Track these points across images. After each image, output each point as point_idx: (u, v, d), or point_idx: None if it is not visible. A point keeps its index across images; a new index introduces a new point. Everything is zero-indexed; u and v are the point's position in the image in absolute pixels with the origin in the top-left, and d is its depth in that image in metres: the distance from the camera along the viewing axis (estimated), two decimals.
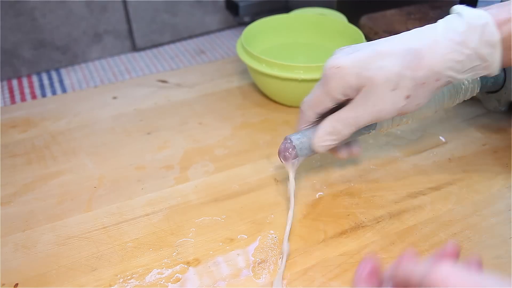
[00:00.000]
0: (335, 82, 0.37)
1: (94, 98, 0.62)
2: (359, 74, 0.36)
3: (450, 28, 0.35)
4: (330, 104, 0.39)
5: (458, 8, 0.36)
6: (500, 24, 0.35)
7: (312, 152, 0.42)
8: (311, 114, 0.41)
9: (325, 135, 0.40)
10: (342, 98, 0.38)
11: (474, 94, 0.47)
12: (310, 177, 0.48)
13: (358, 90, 0.37)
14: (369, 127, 0.43)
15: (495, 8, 0.36)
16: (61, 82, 0.68)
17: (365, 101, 0.37)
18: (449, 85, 0.44)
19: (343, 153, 0.44)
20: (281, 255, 0.40)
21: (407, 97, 0.36)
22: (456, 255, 0.33)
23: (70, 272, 0.39)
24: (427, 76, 0.36)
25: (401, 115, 0.38)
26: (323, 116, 0.41)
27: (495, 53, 0.35)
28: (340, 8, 0.68)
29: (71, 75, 0.70)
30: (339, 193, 0.46)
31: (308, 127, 0.42)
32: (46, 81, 0.69)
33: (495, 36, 0.35)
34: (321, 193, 0.46)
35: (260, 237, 0.42)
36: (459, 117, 0.56)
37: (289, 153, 0.41)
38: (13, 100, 0.64)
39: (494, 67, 0.36)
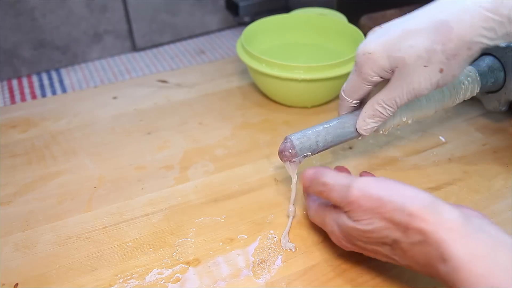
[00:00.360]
0: (369, 67, 0.38)
1: (94, 98, 0.62)
2: (390, 56, 0.37)
3: None
4: (367, 88, 0.40)
5: None
6: None
7: (313, 151, 0.42)
8: (351, 100, 0.42)
9: (368, 119, 0.41)
10: (378, 80, 0.39)
11: (474, 94, 0.47)
12: None
13: (392, 71, 0.38)
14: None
15: None
16: (61, 82, 0.68)
17: (400, 81, 0.38)
18: (449, 85, 0.44)
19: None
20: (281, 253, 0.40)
21: (441, 70, 0.36)
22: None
23: (70, 272, 0.39)
24: (458, 47, 0.35)
25: (438, 87, 0.38)
26: (362, 101, 0.42)
27: None
28: (340, 8, 0.68)
29: (71, 75, 0.70)
30: None
31: (348, 113, 0.43)
32: (46, 81, 0.69)
33: None
34: None
35: (260, 237, 0.42)
36: (459, 117, 0.56)
37: (289, 152, 0.41)
38: (13, 100, 0.64)
39: None
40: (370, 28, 0.65)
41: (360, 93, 0.41)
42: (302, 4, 0.72)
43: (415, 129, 0.54)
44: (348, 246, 0.36)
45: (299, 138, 0.41)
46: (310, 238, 0.42)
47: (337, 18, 0.65)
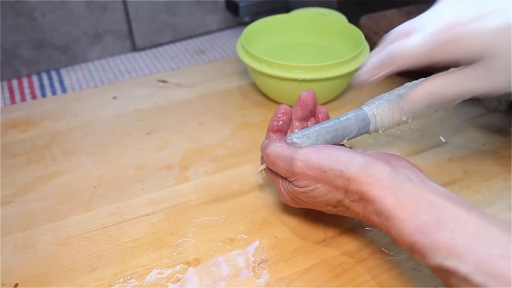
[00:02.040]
0: (460, 46, 0.34)
1: (94, 98, 0.62)
2: (486, 44, 0.33)
3: None
4: (429, 62, 0.36)
5: None
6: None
7: None
8: (403, 64, 0.37)
9: (425, 94, 0.37)
10: (452, 64, 0.36)
11: None
12: None
13: (476, 60, 0.35)
14: (366, 129, 0.43)
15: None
16: (61, 82, 0.68)
17: (484, 74, 0.35)
18: None
19: None
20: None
21: None
22: None
23: (70, 272, 0.39)
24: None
25: None
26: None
27: None
28: (340, 8, 0.68)
29: (71, 75, 0.70)
30: None
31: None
32: (46, 81, 0.69)
33: None
34: None
35: (260, 237, 0.42)
36: (459, 117, 0.56)
37: None
38: (13, 100, 0.64)
39: None
40: (370, 28, 0.65)
41: (410, 63, 0.36)
42: (302, 4, 0.72)
43: (415, 129, 0.54)
44: (296, 205, 0.41)
45: (299, 137, 0.41)
46: (310, 238, 0.42)
47: (337, 18, 0.65)
